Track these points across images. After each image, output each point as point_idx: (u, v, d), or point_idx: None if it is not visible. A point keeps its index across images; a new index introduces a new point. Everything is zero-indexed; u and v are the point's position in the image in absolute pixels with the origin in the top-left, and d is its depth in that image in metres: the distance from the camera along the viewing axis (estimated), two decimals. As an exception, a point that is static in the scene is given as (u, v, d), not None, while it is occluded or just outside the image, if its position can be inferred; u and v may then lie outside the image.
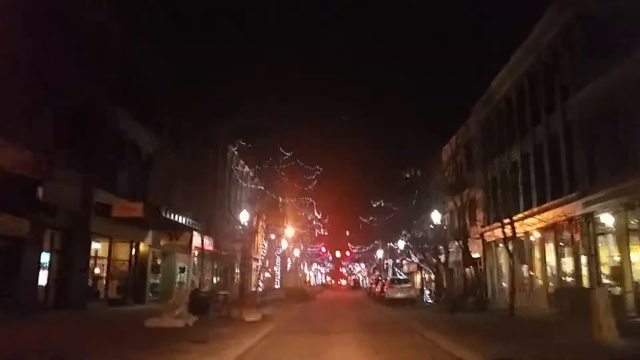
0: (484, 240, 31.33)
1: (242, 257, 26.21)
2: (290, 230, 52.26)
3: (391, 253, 57.23)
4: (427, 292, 30.39)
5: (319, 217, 37.48)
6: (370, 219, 48.47)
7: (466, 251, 22.59)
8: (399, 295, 28.72)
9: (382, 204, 45.60)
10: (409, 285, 29.91)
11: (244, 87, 29.71)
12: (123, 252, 23.50)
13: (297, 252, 58.44)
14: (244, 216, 26.01)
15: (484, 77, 30.36)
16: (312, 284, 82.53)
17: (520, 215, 25.50)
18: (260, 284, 31.58)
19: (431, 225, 25.45)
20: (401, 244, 45.31)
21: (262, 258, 32.66)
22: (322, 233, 52.76)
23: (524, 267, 26.92)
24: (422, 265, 33.99)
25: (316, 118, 62.28)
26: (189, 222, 27.22)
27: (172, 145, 26.90)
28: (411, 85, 67.78)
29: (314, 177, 31.79)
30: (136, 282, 23.90)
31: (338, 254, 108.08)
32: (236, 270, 39.98)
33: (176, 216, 26.37)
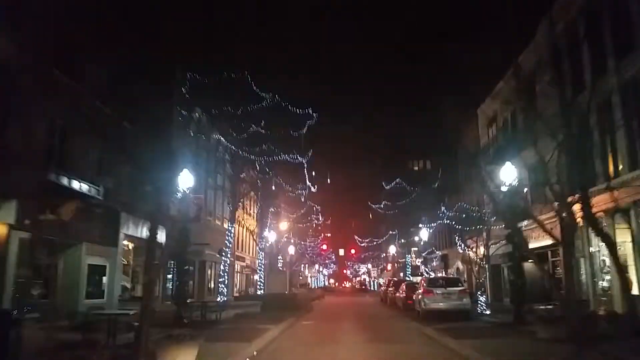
0: (563, 220, 20.76)
1: (178, 246, 15.79)
2: (283, 224, 42.04)
3: (407, 248, 47.46)
4: (481, 298, 19.63)
5: (314, 189, 26.87)
6: (384, 203, 38.28)
7: (593, 224, 12.14)
8: (443, 305, 17.73)
9: (399, 184, 36.00)
10: (460, 288, 18.49)
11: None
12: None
13: (292, 250, 47.86)
14: (186, 180, 15.51)
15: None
16: (312, 286, 72.21)
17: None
18: (225, 289, 20.98)
19: (502, 188, 14.79)
20: (424, 234, 35.13)
21: (228, 251, 21.94)
22: (321, 222, 42.04)
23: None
24: (463, 253, 23.30)
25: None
26: (101, 194, 16.96)
27: (64, 64, 16.21)
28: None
29: (305, 129, 21.19)
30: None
31: (342, 252, 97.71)
32: (216, 271, 29.59)
33: (82, 185, 16.31)
